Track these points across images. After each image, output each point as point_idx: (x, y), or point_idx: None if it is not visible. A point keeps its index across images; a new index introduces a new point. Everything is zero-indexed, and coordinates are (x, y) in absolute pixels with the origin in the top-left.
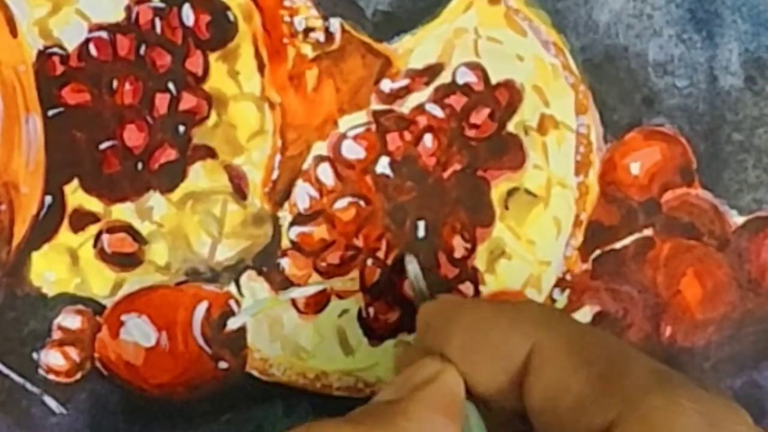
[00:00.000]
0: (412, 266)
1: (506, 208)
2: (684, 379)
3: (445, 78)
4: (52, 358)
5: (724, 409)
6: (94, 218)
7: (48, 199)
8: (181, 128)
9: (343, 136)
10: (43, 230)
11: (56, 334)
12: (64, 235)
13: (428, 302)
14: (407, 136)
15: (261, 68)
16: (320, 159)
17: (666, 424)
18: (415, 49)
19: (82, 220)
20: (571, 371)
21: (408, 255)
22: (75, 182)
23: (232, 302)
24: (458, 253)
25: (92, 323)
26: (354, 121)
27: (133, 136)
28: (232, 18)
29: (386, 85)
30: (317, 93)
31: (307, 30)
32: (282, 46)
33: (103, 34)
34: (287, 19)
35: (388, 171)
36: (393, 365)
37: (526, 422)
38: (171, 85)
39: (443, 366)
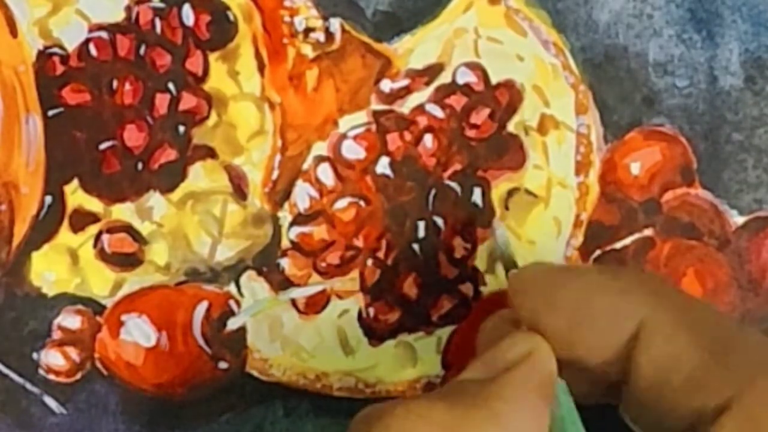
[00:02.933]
0: (501, 231)
1: (506, 208)
2: None
3: (445, 78)
4: (52, 358)
5: None
6: (94, 218)
7: (48, 199)
8: (181, 128)
9: (343, 136)
10: (43, 230)
11: (56, 334)
12: (64, 235)
13: (522, 270)
14: (407, 136)
15: (261, 68)
16: (320, 159)
17: None
18: (415, 49)
19: (82, 220)
20: (684, 346)
21: (496, 220)
22: (75, 182)
23: (232, 302)
24: (458, 253)
25: (92, 323)
26: (354, 121)
27: (133, 136)
28: (232, 18)
29: (386, 85)
30: (317, 93)
31: (307, 30)
32: (282, 46)
33: (103, 34)
34: (287, 19)
35: (388, 171)
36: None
37: (614, 394)
38: (171, 85)
39: (536, 342)
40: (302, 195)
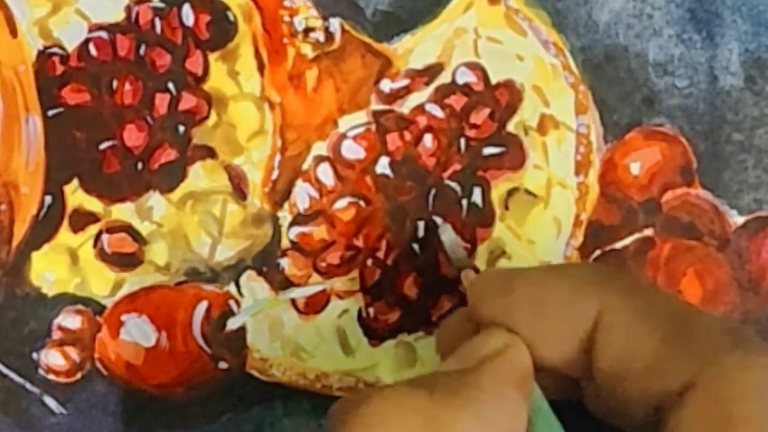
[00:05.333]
0: (447, 235)
1: (506, 208)
2: (756, 336)
3: (445, 78)
4: (52, 358)
5: None
6: (94, 218)
7: (48, 199)
8: (181, 128)
9: (343, 136)
10: (43, 230)
11: (56, 334)
12: (64, 235)
13: (480, 274)
14: (407, 136)
15: (261, 68)
16: (320, 159)
17: (744, 382)
18: (415, 49)
19: (82, 220)
20: (643, 333)
21: (442, 224)
22: (75, 182)
23: (231, 302)
24: None
25: (92, 323)
26: (354, 121)
27: (133, 136)
28: (232, 18)
29: (386, 85)
30: (317, 93)
31: (307, 30)
32: (282, 46)
33: (103, 34)
34: (287, 19)
35: (388, 171)
36: (437, 345)
37: (575, 389)
38: (171, 85)
39: (511, 338)
40: (302, 195)
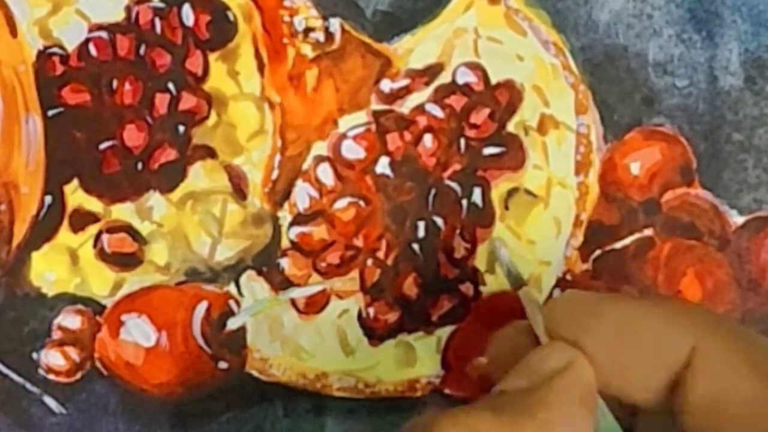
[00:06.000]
0: (503, 251)
1: (506, 208)
2: None
3: (445, 78)
4: (52, 358)
5: None
6: (94, 218)
7: (48, 199)
8: (181, 128)
9: (343, 136)
10: (43, 230)
11: (56, 334)
12: (64, 235)
13: (565, 294)
14: (407, 136)
15: (261, 68)
16: (320, 159)
17: None
18: (415, 49)
19: (82, 220)
20: (740, 372)
21: (497, 240)
22: (75, 182)
23: (231, 302)
24: (458, 253)
25: (92, 323)
26: (354, 121)
27: (133, 136)
28: (232, 18)
29: (386, 85)
30: (317, 93)
31: (307, 30)
32: (282, 46)
33: (103, 34)
34: (287, 19)
35: (388, 171)
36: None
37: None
38: (171, 85)
39: (575, 353)
40: (302, 195)
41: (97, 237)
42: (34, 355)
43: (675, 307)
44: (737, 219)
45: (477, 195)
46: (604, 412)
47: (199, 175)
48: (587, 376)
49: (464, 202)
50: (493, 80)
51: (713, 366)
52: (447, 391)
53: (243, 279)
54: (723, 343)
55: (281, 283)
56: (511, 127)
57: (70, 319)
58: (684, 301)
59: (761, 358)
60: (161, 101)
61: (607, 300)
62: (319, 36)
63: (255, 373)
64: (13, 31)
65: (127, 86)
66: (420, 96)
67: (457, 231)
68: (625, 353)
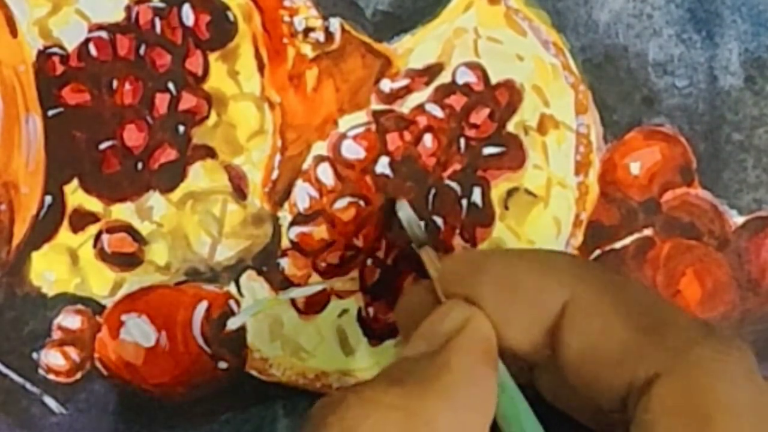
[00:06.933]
0: (404, 212)
1: (506, 208)
2: (728, 332)
3: (445, 78)
4: (52, 358)
5: None
6: (94, 218)
7: (48, 199)
8: (181, 128)
9: (343, 136)
10: (43, 230)
11: (56, 334)
12: (64, 235)
13: (454, 254)
14: (407, 136)
15: (261, 68)
16: (320, 159)
17: (714, 374)
18: (414, 49)
19: (82, 220)
20: (613, 321)
21: (399, 200)
22: (75, 182)
23: (231, 302)
24: None
25: (92, 323)
26: (354, 121)
27: (133, 136)
28: (232, 18)
29: (386, 85)
30: (317, 93)
31: (307, 30)
32: (282, 46)
33: (103, 34)
34: (287, 19)
35: (388, 171)
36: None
37: (530, 375)
38: (171, 85)
39: (471, 310)
40: (302, 195)
41: (97, 237)
42: (34, 355)
43: (554, 259)
44: (737, 219)
45: (477, 195)
46: (505, 373)
47: (199, 175)
48: (485, 331)
49: (464, 201)
50: (493, 80)
51: (587, 315)
52: None
53: (243, 279)
54: (596, 292)
55: (281, 283)
56: (511, 127)
57: (70, 319)
58: (565, 254)
59: (634, 306)
60: (161, 101)
61: (493, 255)
62: (319, 36)
63: (255, 373)
64: (13, 31)
65: (127, 86)
66: (420, 96)
67: (457, 231)
68: (507, 307)
